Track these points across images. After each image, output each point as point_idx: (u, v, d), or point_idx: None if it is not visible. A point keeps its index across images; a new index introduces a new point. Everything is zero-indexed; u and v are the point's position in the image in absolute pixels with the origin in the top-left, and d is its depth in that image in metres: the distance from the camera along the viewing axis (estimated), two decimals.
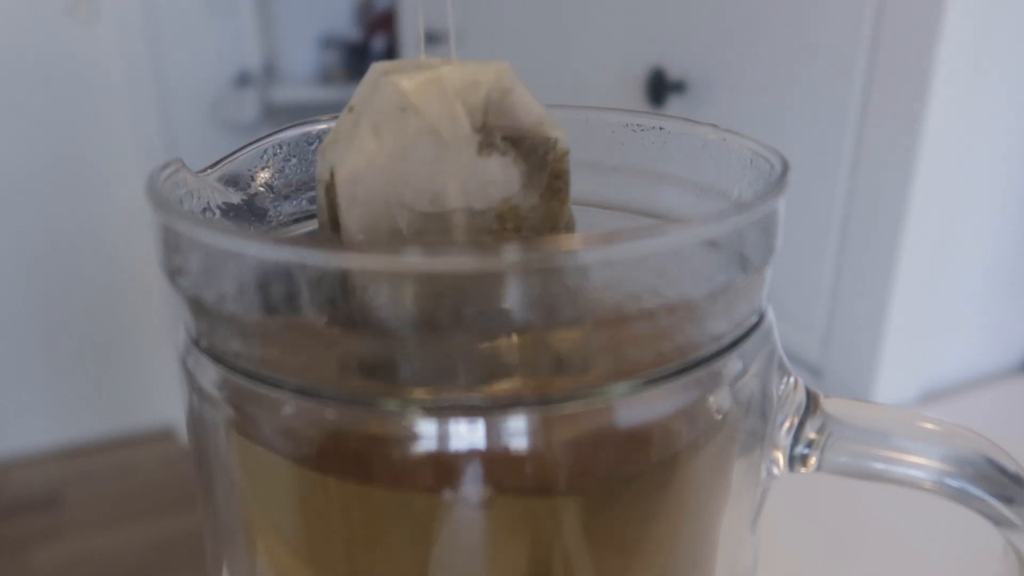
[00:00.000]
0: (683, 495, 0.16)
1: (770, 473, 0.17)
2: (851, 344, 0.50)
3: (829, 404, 0.17)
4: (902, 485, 0.16)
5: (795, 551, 0.36)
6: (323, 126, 0.20)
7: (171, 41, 1.44)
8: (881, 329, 0.48)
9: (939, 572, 0.35)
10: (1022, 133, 0.48)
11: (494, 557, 0.14)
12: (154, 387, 1.53)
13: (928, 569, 0.35)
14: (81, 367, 1.50)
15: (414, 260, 0.12)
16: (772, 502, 0.18)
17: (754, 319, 0.16)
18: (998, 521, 0.16)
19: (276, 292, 0.13)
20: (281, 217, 0.19)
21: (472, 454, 0.13)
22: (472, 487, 0.13)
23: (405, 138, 0.15)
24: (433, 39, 1.10)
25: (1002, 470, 0.16)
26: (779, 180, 0.15)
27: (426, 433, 0.13)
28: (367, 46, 1.70)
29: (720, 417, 0.15)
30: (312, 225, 0.20)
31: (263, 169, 0.19)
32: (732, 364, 0.15)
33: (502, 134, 0.15)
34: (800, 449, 0.17)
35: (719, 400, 0.15)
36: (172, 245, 0.14)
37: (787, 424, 0.17)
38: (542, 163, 0.16)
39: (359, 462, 0.14)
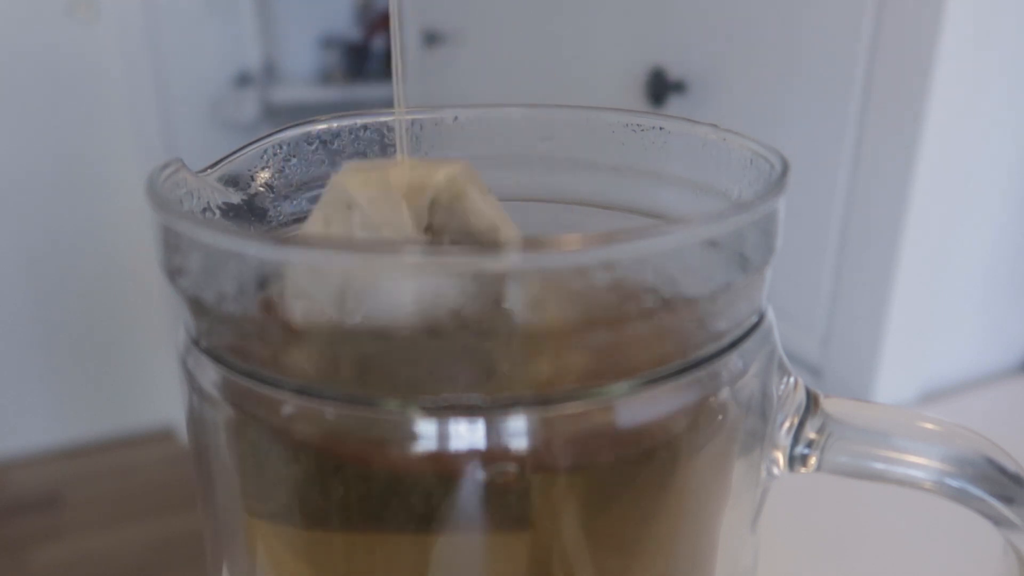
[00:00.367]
0: (683, 495, 0.16)
1: (770, 473, 0.17)
2: (851, 344, 0.50)
3: (829, 404, 0.17)
4: (902, 485, 0.16)
5: (795, 551, 0.36)
6: (323, 126, 0.20)
7: (171, 41, 1.44)
8: (881, 329, 0.48)
9: (939, 572, 0.35)
10: (1022, 133, 0.48)
11: (494, 558, 0.14)
12: (154, 387, 1.53)
13: (928, 569, 0.35)
14: (81, 367, 1.50)
15: (414, 260, 0.12)
16: (772, 502, 0.18)
17: (754, 319, 0.16)
18: (998, 521, 0.16)
19: (276, 292, 0.13)
20: (281, 217, 0.19)
21: (472, 454, 0.13)
22: (471, 487, 0.13)
23: (351, 232, 0.15)
24: (433, 39, 1.10)
25: (1002, 470, 0.16)
26: (779, 180, 0.15)
27: (426, 433, 0.13)
28: (367, 46, 1.70)
29: (720, 417, 0.15)
30: None
31: (263, 169, 0.19)
32: (732, 364, 0.15)
33: (451, 237, 0.16)
34: (800, 449, 0.17)
35: (719, 400, 0.15)
36: (172, 245, 0.14)
37: (787, 424, 0.17)
38: None
39: (358, 462, 0.14)
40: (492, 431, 0.13)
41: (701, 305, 0.14)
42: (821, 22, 0.50)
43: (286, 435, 0.14)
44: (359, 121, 0.20)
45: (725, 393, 0.15)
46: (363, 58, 1.69)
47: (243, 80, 1.55)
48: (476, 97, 1.01)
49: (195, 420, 0.16)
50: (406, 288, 0.13)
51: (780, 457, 0.17)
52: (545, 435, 0.13)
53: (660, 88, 0.64)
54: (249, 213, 0.18)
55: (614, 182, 0.20)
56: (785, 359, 0.17)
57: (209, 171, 0.18)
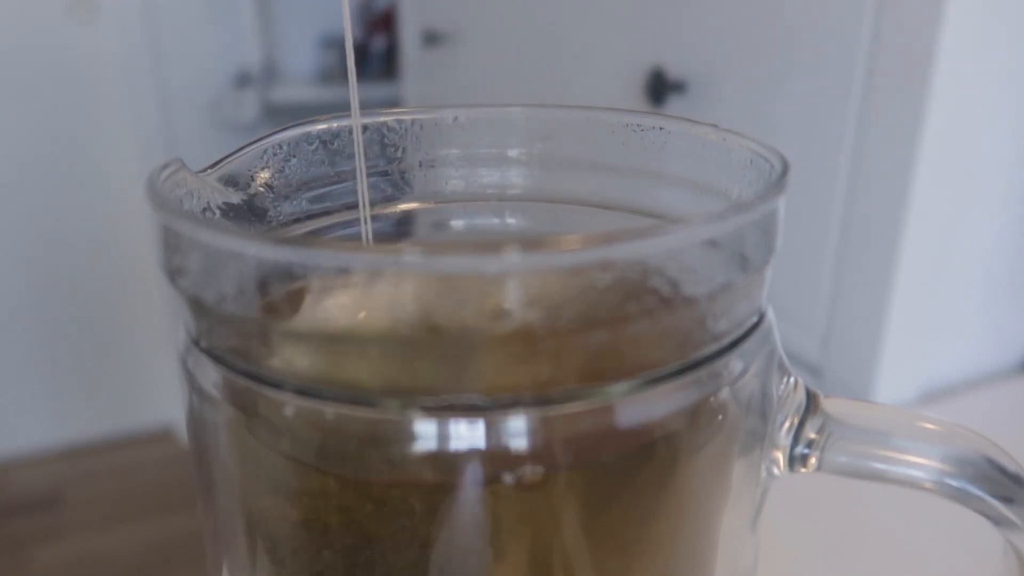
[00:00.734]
0: (683, 495, 0.16)
1: (770, 473, 0.17)
2: (851, 344, 0.50)
3: (829, 404, 0.17)
4: (902, 485, 0.16)
5: (795, 551, 0.36)
6: (323, 126, 0.20)
7: (171, 41, 1.44)
8: (881, 329, 0.48)
9: (939, 572, 0.35)
10: (1022, 133, 0.48)
11: (494, 558, 0.14)
12: (154, 387, 1.53)
13: (928, 569, 0.35)
14: (81, 367, 1.50)
15: (414, 260, 0.12)
16: (772, 502, 0.18)
17: (754, 319, 0.16)
18: (998, 521, 0.16)
19: (276, 292, 0.13)
20: (281, 217, 0.19)
21: (472, 454, 0.13)
22: (472, 488, 0.13)
23: None
24: (433, 39, 1.10)
25: (1002, 470, 0.16)
26: (779, 180, 0.15)
27: (426, 433, 0.13)
28: (367, 46, 1.70)
29: (720, 417, 0.15)
30: (312, 225, 0.20)
31: (263, 169, 0.19)
32: (732, 364, 0.15)
33: None
34: (800, 449, 0.17)
35: (719, 400, 0.15)
36: (172, 245, 0.14)
37: (787, 424, 0.17)
38: None
39: (359, 462, 0.14)
40: (492, 431, 0.13)
41: (701, 305, 0.14)
42: (821, 22, 0.50)
43: (286, 435, 0.14)
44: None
45: (725, 393, 0.15)
46: (363, 58, 1.69)
47: (243, 80, 1.55)
48: (476, 97, 1.01)
49: (195, 420, 0.16)
50: (406, 288, 0.13)
51: (780, 457, 0.17)
52: (545, 435, 0.13)
53: (660, 88, 0.64)
54: (249, 213, 0.18)
55: (614, 182, 0.20)
56: (785, 359, 0.17)
57: (209, 171, 0.18)
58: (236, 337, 0.14)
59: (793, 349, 0.54)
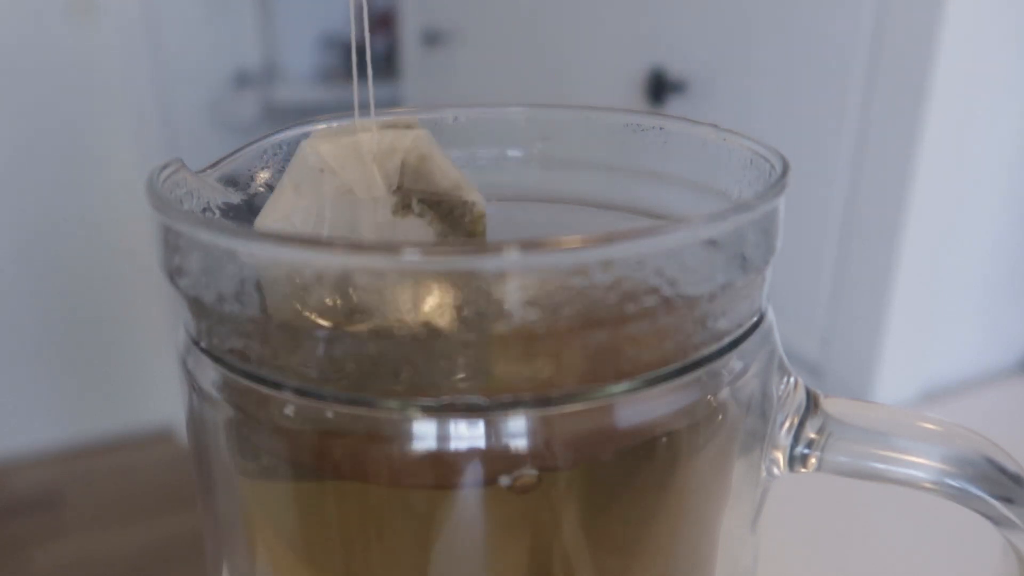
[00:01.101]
0: (683, 495, 0.16)
1: (770, 473, 0.17)
2: (851, 344, 0.50)
3: (829, 404, 0.17)
4: (902, 485, 0.16)
5: (795, 551, 0.36)
6: (323, 126, 0.20)
7: (171, 41, 1.44)
8: (881, 329, 0.48)
9: (939, 572, 0.35)
10: (1023, 133, 0.48)
11: (494, 558, 0.14)
12: (154, 387, 1.53)
13: (928, 569, 0.35)
14: (81, 367, 1.50)
15: (414, 260, 0.12)
16: (772, 502, 0.18)
17: (754, 319, 0.16)
18: (998, 521, 0.16)
19: (275, 291, 0.13)
20: None
21: (472, 454, 0.13)
22: (471, 488, 0.13)
23: (322, 197, 0.16)
24: (433, 39, 1.10)
25: (1002, 470, 0.16)
26: (779, 180, 0.15)
27: (426, 433, 0.13)
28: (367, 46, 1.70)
29: (720, 417, 0.15)
30: None
31: (263, 169, 0.19)
32: (732, 364, 0.15)
33: (418, 196, 0.16)
34: (800, 449, 0.17)
35: (719, 400, 0.15)
36: (172, 245, 0.14)
37: (787, 424, 0.17)
38: (458, 224, 0.17)
39: (359, 462, 0.14)
40: (492, 431, 0.13)
41: (701, 305, 0.14)
42: (821, 22, 0.50)
43: (286, 435, 0.14)
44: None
45: (725, 393, 0.15)
46: (363, 58, 1.68)
47: (243, 80, 1.54)
48: (476, 97, 1.01)
49: (195, 420, 0.16)
50: (406, 288, 0.13)
51: (780, 457, 0.17)
52: (545, 435, 0.13)
53: (660, 88, 0.64)
54: (249, 213, 0.18)
55: (614, 182, 0.20)
56: (785, 359, 0.17)
57: (209, 171, 0.18)
58: (236, 337, 0.14)
59: (793, 349, 0.54)
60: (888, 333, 0.48)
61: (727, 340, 0.15)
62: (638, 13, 0.68)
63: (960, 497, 0.16)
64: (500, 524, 0.14)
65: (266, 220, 0.16)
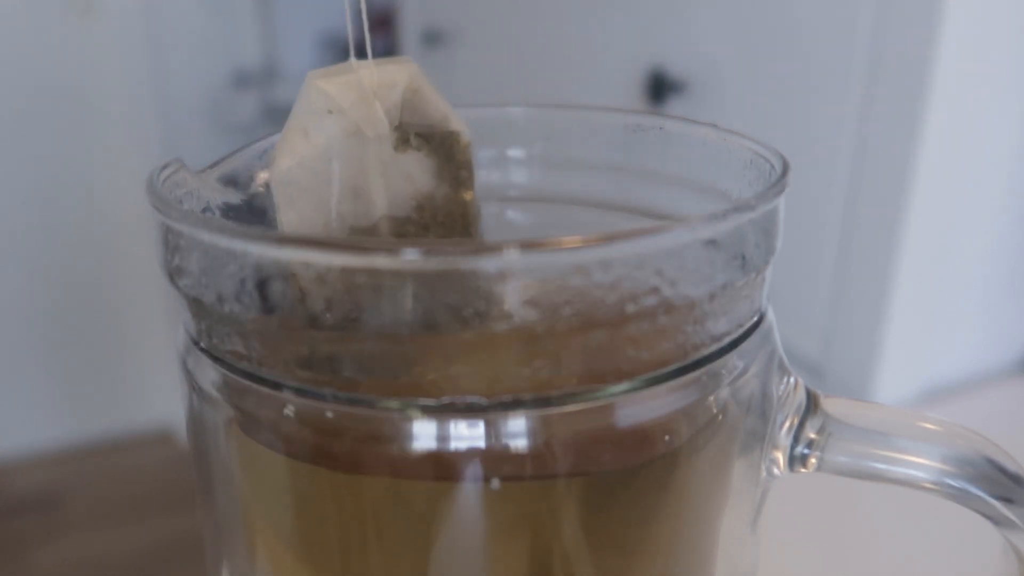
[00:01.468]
0: (683, 495, 0.16)
1: (770, 473, 0.17)
2: (851, 344, 0.50)
3: (829, 404, 0.17)
4: (902, 485, 0.16)
5: (795, 551, 0.36)
6: None
7: (170, 41, 1.43)
8: (881, 329, 0.48)
9: (939, 572, 0.35)
10: (1023, 133, 0.48)
11: (494, 558, 0.14)
12: (154, 387, 1.53)
13: (928, 569, 0.35)
14: (81, 367, 1.50)
15: (413, 259, 0.12)
16: (772, 502, 0.18)
17: (754, 319, 0.16)
18: (998, 521, 0.16)
19: (275, 291, 0.13)
20: None
21: (472, 454, 0.13)
22: (471, 488, 0.13)
23: (331, 138, 0.16)
24: (433, 39, 1.10)
25: (1002, 470, 0.16)
26: (779, 180, 0.15)
27: (426, 433, 0.13)
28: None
29: (720, 417, 0.15)
30: None
31: (263, 169, 0.19)
32: (732, 364, 0.15)
33: (415, 131, 0.17)
34: (800, 449, 0.17)
35: (719, 400, 0.15)
36: (172, 245, 0.14)
37: (787, 424, 0.17)
38: (449, 155, 0.17)
39: (359, 462, 0.14)
40: (492, 431, 0.13)
41: (701, 305, 0.14)
42: (821, 22, 0.50)
43: (285, 435, 0.14)
44: None
45: (725, 393, 0.15)
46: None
47: (242, 80, 1.54)
48: (476, 97, 1.01)
49: (195, 420, 0.16)
50: (405, 287, 0.13)
51: (780, 457, 0.17)
52: (545, 435, 0.13)
53: (660, 88, 0.64)
54: (249, 213, 0.18)
55: (614, 182, 0.20)
56: (785, 359, 0.17)
57: (209, 171, 0.18)
58: (236, 337, 0.14)
59: (793, 349, 0.54)
60: (888, 333, 0.48)
61: (727, 340, 0.15)
62: (638, 13, 0.68)
63: (960, 497, 0.16)
64: (500, 524, 0.14)
65: (279, 167, 0.16)
